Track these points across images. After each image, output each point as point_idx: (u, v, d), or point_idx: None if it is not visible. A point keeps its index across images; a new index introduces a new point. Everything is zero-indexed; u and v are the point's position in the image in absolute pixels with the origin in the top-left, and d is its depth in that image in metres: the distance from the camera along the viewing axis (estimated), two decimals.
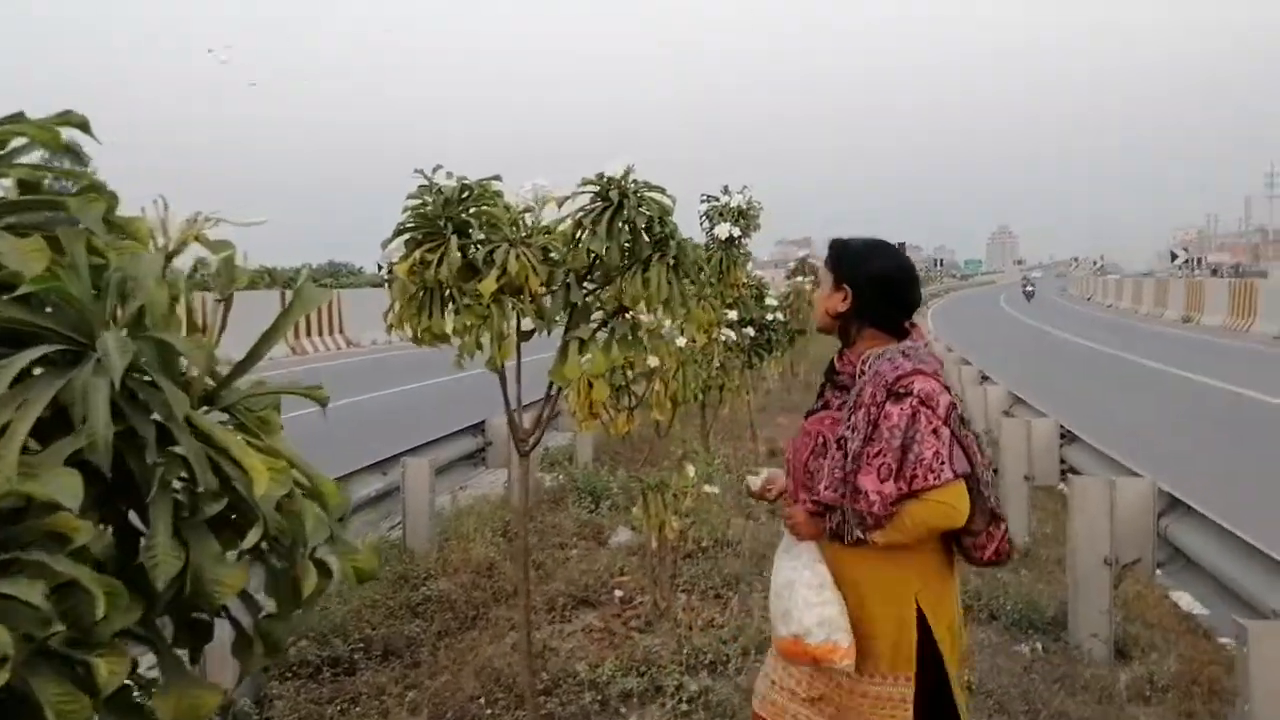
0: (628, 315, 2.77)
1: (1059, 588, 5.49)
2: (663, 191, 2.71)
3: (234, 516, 1.23)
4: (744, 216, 6.53)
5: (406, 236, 2.78)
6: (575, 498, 7.82)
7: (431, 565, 5.93)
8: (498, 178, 2.84)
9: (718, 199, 6.61)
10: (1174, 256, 54.18)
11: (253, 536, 1.21)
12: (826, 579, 2.46)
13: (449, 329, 2.79)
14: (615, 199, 2.62)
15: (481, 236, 2.75)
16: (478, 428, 8.12)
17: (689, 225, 6.81)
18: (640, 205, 2.64)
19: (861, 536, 2.39)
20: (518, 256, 2.66)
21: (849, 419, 2.40)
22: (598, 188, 2.68)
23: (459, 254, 2.73)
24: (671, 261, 2.62)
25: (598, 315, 2.85)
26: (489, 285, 2.64)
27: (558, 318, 2.80)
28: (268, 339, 1.37)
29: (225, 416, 1.27)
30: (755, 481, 2.78)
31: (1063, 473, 6.57)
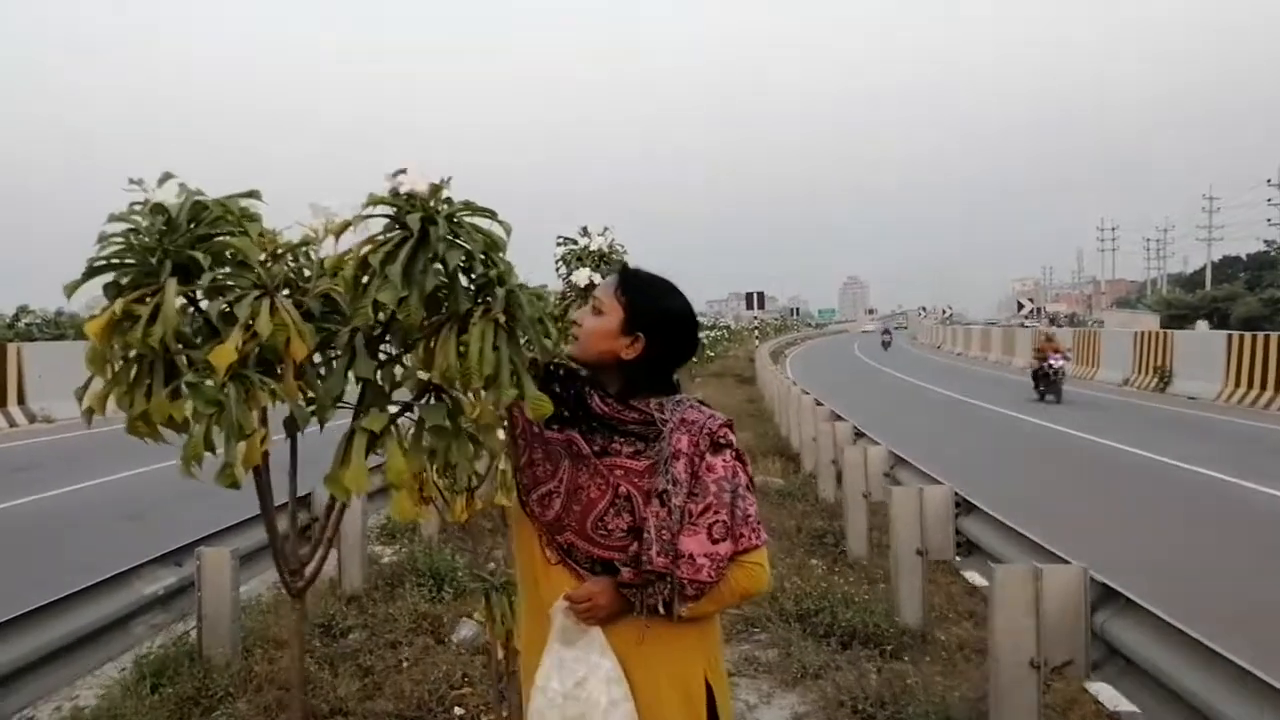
0: (443, 396, 1.89)
1: (967, 681, 4.81)
2: (493, 216, 1.85)
3: None
4: (606, 261, 5.73)
5: (108, 279, 1.85)
6: (415, 580, 6.82)
7: (231, 680, 4.87)
8: (254, 194, 1.94)
9: (575, 241, 5.76)
10: (1020, 306, 56.08)
11: None
12: (619, 670, 2.08)
13: (187, 411, 1.84)
14: (417, 227, 1.75)
15: (223, 279, 1.84)
16: (303, 501, 7.03)
17: (545, 273, 5.93)
18: (456, 236, 1.78)
19: (672, 611, 2.03)
20: (273, 311, 1.76)
21: (666, 471, 2.03)
22: (393, 209, 1.81)
23: (189, 305, 1.82)
24: (501, 318, 1.75)
25: (402, 394, 1.96)
26: (225, 355, 1.72)
27: (340, 400, 1.91)
28: None
29: None
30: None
31: (958, 545, 5.92)
